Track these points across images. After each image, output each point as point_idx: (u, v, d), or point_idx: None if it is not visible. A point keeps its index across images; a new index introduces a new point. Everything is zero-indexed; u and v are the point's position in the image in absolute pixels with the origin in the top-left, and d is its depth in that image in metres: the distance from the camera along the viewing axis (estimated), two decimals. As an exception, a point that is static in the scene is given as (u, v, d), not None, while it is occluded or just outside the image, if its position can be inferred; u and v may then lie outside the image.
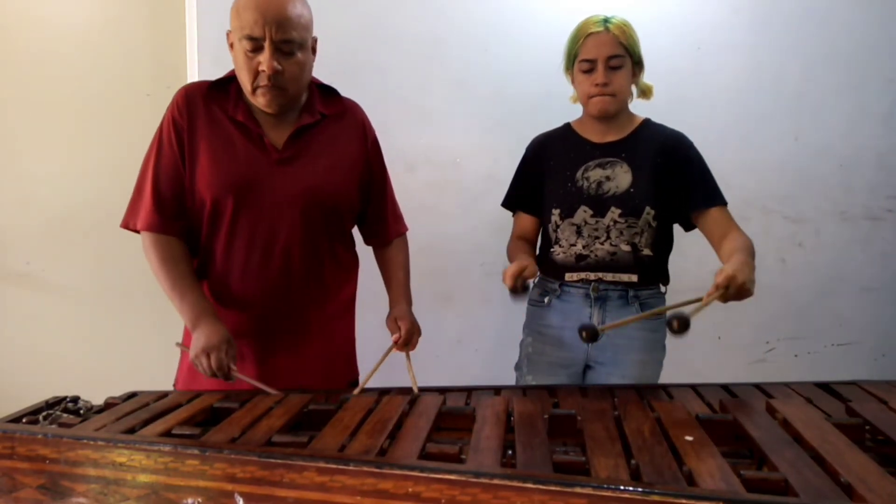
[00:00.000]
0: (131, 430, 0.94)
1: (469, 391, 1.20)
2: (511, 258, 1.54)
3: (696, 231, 1.53)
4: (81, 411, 1.08)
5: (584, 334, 1.15)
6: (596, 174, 1.50)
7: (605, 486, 0.71)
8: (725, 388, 1.19)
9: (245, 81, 1.26)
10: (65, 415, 1.05)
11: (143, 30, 2.19)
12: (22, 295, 2.23)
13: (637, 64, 1.49)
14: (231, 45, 1.28)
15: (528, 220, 1.61)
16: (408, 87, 2.15)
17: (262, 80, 1.24)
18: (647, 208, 1.47)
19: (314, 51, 1.32)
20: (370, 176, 1.46)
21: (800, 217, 2.27)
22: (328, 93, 1.42)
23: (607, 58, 1.43)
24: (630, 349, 1.51)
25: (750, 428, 0.92)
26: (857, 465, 0.78)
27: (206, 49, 1.98)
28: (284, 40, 1.21)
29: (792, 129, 2.22)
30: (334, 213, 1.39)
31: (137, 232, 1.33)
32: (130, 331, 2.20)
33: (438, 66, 2.15)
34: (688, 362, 2.16)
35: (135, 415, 1.02)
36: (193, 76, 1.99)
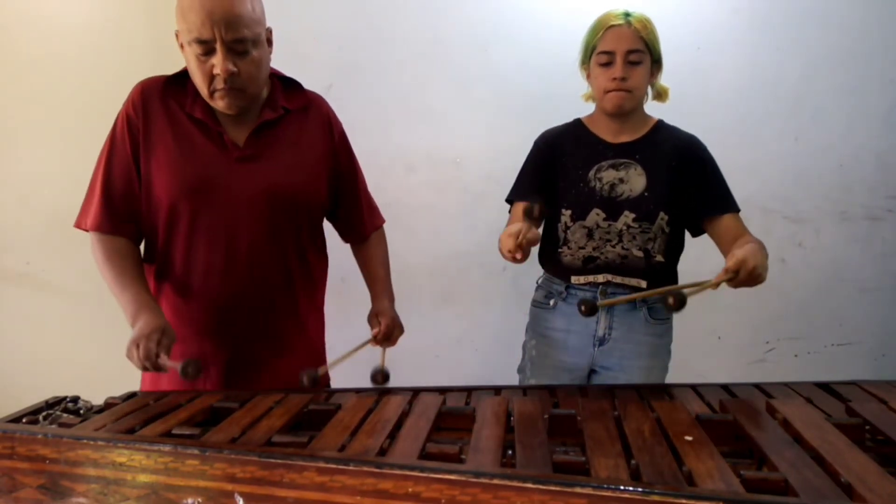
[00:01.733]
0: (131, 430, 0.94)
1: (469, 391, 1.20)
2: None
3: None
4: (81, 411, 1.08)
5: (582, 308, 1.13)
6: (609, 175, 1.46)
7: (605, 486, 0.71)
8: (725, 388, 1.19)
9: (201, 85, 1.19)
10: (65, 415, 1.05)
11: (143, 29, 2.19)
12: (22, 295, 2.23)
13: (656, 63, 1.45)
14: (181, 47, 1.21)
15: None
16: (408, 87, 2.15)
17: (219, 84, 1.17)
18: (662, 213, 1.45)
19: (270, 42, 1.25)
20: (338, 171, 1.40)
21: (800, 217, 2.27)
22: (291, 86, 1.35)
23: (627, 51, 1.39)
24: (637, 355, 1.49)
25: (750, 428, 0.92)
26: (857, 465, 0.78)
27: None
28: (236, 39, 1.14)
29: (792, 129, 2.23)
30: (301, 212, 1.33)
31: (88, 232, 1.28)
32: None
33: (438, 66, 2.15)
34: (688, 362, 2.16)
35: (135, 415, 1.02)
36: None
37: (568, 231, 1.48)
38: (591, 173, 1.47)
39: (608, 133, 1.50)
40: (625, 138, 1.49)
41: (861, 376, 1.35)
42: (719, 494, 0.71)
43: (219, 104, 1.21)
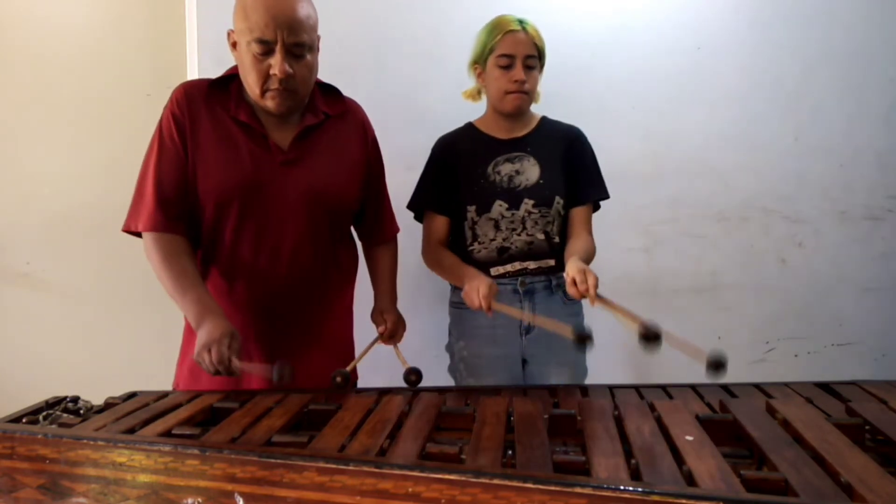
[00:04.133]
0: (131, 430, 0.94)
1: (469, 391, 1.20)
2: (450, 270, 1.55)
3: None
4: (81, 411, 1.08)
5: (579, 339, 1.17)
6: (506, 168, 1.56)
7: (605, 486, 0.71)
8: (725, 388, 1.19)
9: (253, 85, 1.23)
10: (65, 415, 1.05)
11: (143, 30, 2.19)
12: (22, 295, 2.23)
13: (542, 67, 1.56)
14: (234, 45, 1.25)
15: (441, 222, 1.62)
16: (408, 87, 2.14)
17: (273, 84, 1.21)
18: (557, 198, 1.55)
19: (318, 49, 1.30)
20: (370, 176, 1.46)
21: (800, 217, 2.27)
22: (330, 92, 1.41)
23: (525, 56, 1.49)
24: (560, 337, 1.53)
25: (750, 428, 0.92)
26: (857, 465, 0.78)
27: (206, 49, 1.98)
28: (296, 44, 1.19)
29: (792, 129, 2.22)
30: (338, 215, 1.39)
31: (139, 235, 1.29)
32: (130, 331, 2.19)
33: (438, 66, 2.15)
34: (688, 362, 2.16)
35: (135, 415, 1.02)
36: (193, 76, 1.99)
37: (476, 226, 1.57)
38: (490, 168, 1.57)
39: (499, 131, 1.60)
40: (516, 134, 1.59)
41: (861, 376, 1.35)
42: (719, 494, 0.71)
43: (269, 104, 1.24)
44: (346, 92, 1.46)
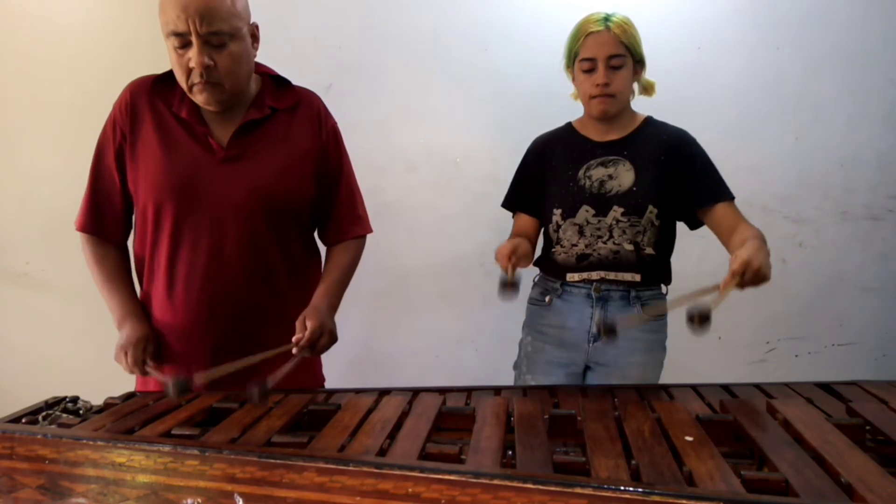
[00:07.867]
0: (131, 431, 0.94)
1: (469, 391, 1.20)
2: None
3: (698, 231, 1.53)
4: (81, 411, 1.08)
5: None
6: (598, 173, 1.49)
7: (606, 486, 0.71)
8: (725, 388, 1.19)
9: (180, 79, 1.20)
10: (64, 415, 1.05)
11: (142, 29, 2.18)
12: (22, 295, 2.23)
13: (638, 62, 1.48)
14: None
15: (528, 221, 1.59)
16: (408, 87, 2.15)
17: (195, 78, 1.17)
18: (650, 207, 1.47)
19: (256, 38, 1.25)
20: (326, 167, 1.36)
21: (800, 217, 2.27)
22: (281, 84, 1.34)
23: (608, 57, 1.42)
24: (632, 351, 1.50)
25: (750, 428, 0.92)
26: (857, 465, 0.78)
27: (205, 49, 1.98)
28: (212, 32, 1.14)
29: (792, 129, 2.22)
30: (286, 213, 1.31)
31: None
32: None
33: (438, 66, 2.15)
34: (688, 362, 2.15)
35: (134, 415, 1.02)
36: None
37: (560, 230, 1.51)
38: (581, 172, 1.50)
39: (596, 133, 1.53)
40: (613, 136, 1.52)
41: (861, 376, 1.35)
42: (720, 495, 0.71)
43: (198, 98, 1.22)
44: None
